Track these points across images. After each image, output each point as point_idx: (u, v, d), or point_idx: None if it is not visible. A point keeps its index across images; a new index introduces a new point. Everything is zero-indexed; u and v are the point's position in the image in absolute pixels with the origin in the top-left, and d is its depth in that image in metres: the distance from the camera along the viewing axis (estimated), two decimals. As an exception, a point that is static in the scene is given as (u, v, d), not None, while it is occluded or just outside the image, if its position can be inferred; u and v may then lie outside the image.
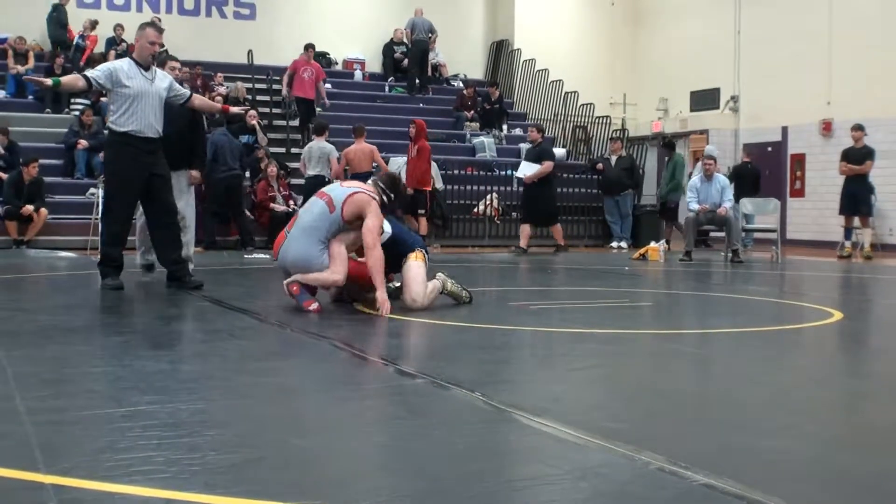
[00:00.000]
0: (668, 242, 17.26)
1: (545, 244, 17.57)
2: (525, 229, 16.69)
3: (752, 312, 8.38)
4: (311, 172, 15.74)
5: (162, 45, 8.54)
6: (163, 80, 8.54)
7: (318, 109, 19.68)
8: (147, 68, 8.36)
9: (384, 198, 7.23)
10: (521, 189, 17.63)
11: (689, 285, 11.18)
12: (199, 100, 9.41)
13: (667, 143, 18.97)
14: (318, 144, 15.95)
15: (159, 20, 21.59)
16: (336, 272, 6.86)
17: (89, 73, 8.38)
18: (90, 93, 16.62)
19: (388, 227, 7.23)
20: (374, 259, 6.84)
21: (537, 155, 16.35)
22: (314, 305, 6.87)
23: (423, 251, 7.45)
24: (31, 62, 19.94)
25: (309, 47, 19.85)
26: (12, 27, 20.56)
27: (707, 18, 23.13)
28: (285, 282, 6.93)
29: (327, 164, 15.78)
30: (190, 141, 9.57)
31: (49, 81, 8.78)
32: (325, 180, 14.56)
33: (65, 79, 8.74)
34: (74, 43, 20.66)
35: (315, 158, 15.83)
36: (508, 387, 4.54)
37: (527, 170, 16.28)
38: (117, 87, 8.20)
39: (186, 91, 8.94)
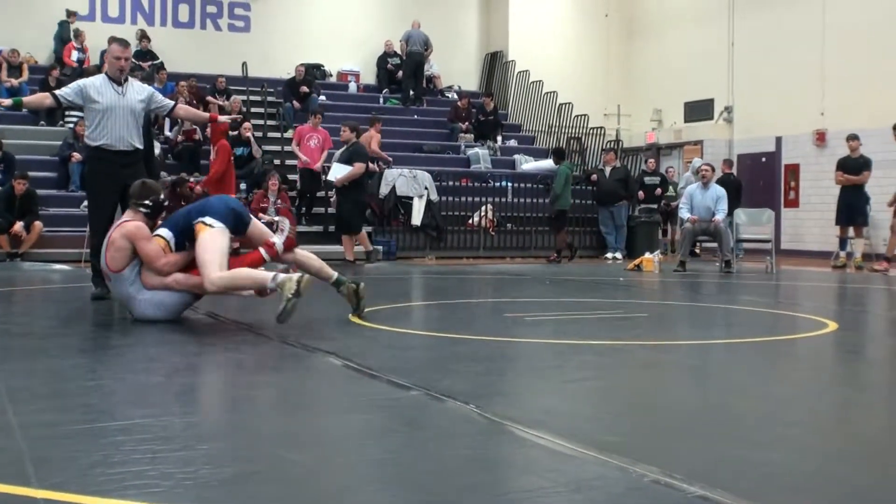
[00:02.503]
0: (559, 252, 17.61)
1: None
2: (345, 240, 15.38)
3: (746, 323, 8.39)
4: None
5: (127, 59, 8.52)
6: (139, 92, 8.58)
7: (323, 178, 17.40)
8: (119, 83, 8.43)
9: (143, 211, 7.04)
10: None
11: (683, 296, 11.18)
12: (184, 110, 9.52)
13: (555, 151, 18.83)
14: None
15: (141, 33, 21.73)
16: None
17: (59, 91, 8.54)
18: (62, 109, 16.71)
19: (167, 234, 6.91)
20: (177, 280, 6.81)
21: (349, 156, 15.02)
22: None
23: (209, 219, 6.79)
24: (26, 75, 19.94)
25: (316, 113, 18.18)
26: (20, 43, 20.56)
27: (701, 29, 23.18)
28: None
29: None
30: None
31: (8, 101, 8.85)
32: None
33: (28, 99, 8.96)
34: (76, 57, 20.69)
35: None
36: (503, 399, 4.53)
37: (337, 172, 15.03)
38: (88, 103, 8.36)
39: (169, 102, 9.01)
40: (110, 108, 8.31)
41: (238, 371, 5.41)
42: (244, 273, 6.76)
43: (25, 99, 8.87)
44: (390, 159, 18.84)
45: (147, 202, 7.06)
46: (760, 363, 5.88)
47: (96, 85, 8.40)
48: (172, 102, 9.08)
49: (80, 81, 8.65)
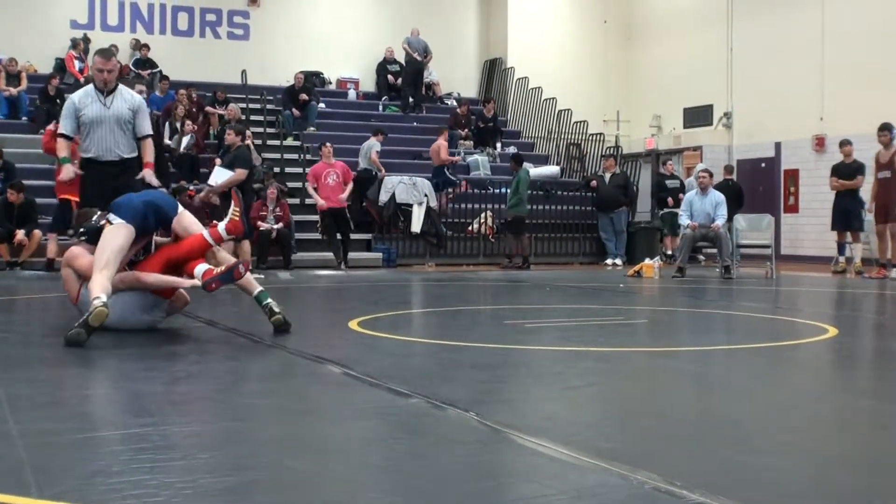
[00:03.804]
0: (510, 258, 17.67)
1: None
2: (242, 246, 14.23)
3: (747, 329, 8.39)
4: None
5: (111, 71, 8.30)
6: (129, 102, 8.40)
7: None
8: (106, 93, 8.30)
9: (83, 239, 7.06)
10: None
11: (683, 302, 11.18)
12: (149, 145, 8.75)
13: (514, 157, 18.79)
14: (368, 143, 18.58)
15: (136, 41, 21.80)
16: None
17: (61, 130, 8.48)
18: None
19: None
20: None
21: (231, 161, 14.34)
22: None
23: (112, 216, 6.68)
24: (25, 83, 19.96)
25: (324, 145, 17.23)
26: (20, 51, 20.61)
27: (700, 35, 23.20)
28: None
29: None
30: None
31: (68, 173, 8.56)
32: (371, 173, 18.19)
33: (64, 152, 8.58)
34: (77, 66, 20.80)
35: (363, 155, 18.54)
36: (503, 406, 4.52)
37: (218, 177, 14.39)
38: (78, 117, 8.29)
39: (145, 131, 8.53)
40: (95, 120, 8.22)
41: (238, 379, 5.41)
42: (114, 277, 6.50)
43: (63, 154, 8.56)
44: (383, 170, 18.88)
45: (81, 230, 7.13)
46: (761, 369, 5.88)
47: (80, 97, 8.36)
48: (146, 134, 8.57)
49: (68, 101, 8.63)
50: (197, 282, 6.58)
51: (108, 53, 8.46)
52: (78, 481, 3.04)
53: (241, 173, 13.99)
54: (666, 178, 20.27)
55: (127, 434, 3.69)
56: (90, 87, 8.46)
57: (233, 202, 6.96)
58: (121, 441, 3.56)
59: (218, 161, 16.50)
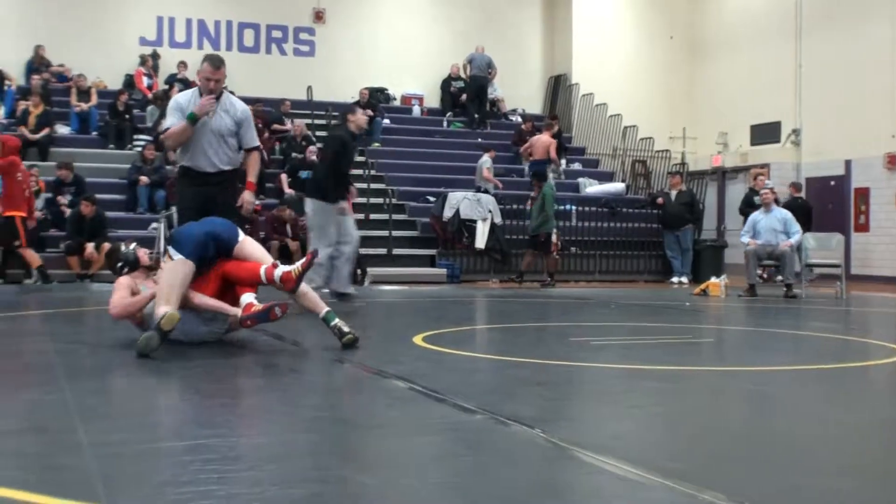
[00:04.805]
0: (522, 276, 17.31)
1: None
2: None
3: (815, 349, 8.25)
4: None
5: (219, 80, 7.94)
6: (234, 114, 8.07)
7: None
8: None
9: (124, 273, 7.20)
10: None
11: (750, 321, 11.04)
12: (255, 159, 8.47)
13: (535, 174, 18.57)
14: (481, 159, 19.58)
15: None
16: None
17: (165, 125, 8.15)
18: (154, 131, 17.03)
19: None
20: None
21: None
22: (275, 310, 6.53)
23: (172, 249, 6.65)
24: (95, 99, 20.31)
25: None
26: (91, 68, 21.00)
27: (767, 51, 22.95)
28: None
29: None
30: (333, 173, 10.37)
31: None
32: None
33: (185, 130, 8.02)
34: (146, 83, 21.18)
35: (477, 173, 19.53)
36: (569, 423, 4.50)
37: None
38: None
39: (251, 143, 8.26)
40: (197, 129, 7.85)
41: (303, 392, 5.43)
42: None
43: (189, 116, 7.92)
44: (500, 185, 19.09)
45: (118, 266, 7.23)
46: (829, 390, 5.78)
47: (189, 100, 7.98)
48: (256, 145, 8.37)
49: (173, 101, 8.20)
50: (238, 312, 6.61)
51: (217, 61, 8.03)
52: (146, 491, 3.07)
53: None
54: (756, 193, 20.00)
55: (194, 445, 3.72)
56: (195, 91, 8.11)
57: (305, 259, 6.68)
58: (188, 451, 3.58)
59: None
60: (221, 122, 7.98)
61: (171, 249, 6.61)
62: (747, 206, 19.32)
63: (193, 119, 7.79)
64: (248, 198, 8.27)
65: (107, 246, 15.35)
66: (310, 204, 10.97)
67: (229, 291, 6.77)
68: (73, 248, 15.37)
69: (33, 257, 14.99)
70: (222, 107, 8.01)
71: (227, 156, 8.06)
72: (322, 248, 10.62)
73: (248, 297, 6.62)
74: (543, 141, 19.83)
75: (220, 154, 8.00)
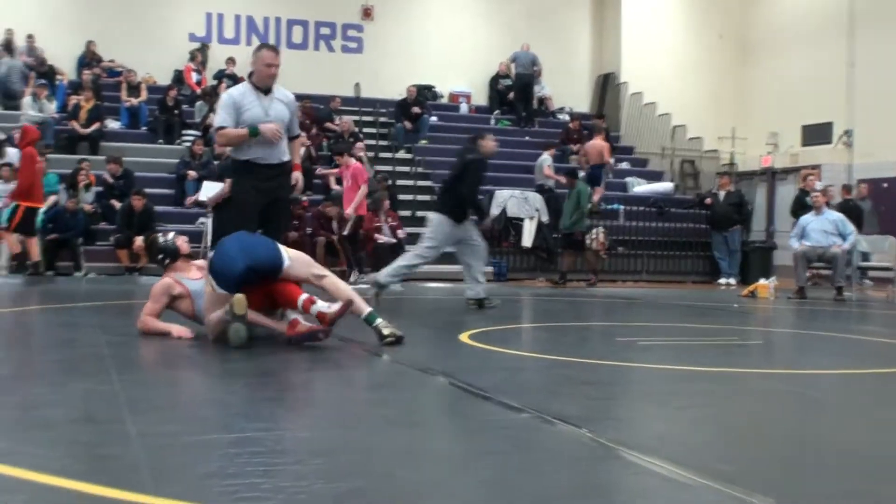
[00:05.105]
0: (564, 275, 17.17)
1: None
2: None
3: (865, 353, 8.15)
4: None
5: (278, 66, 7.90)
6: (286, 102, 8.04)
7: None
8: (265, 92, 7.94)
9: (165, 265, 7.32)
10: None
11: (799, 324, 10.93)
12: (298, 146, 8.73)
13: (568, 172, 18.39)
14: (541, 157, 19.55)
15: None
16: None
17: (219, 122, 7.93)
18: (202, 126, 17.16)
19: (194, 286, 7.06)
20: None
21: (220, 172, 14.27)
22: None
23: (213, 282, 6.64)
24: (144, 94, 20.51)
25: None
26: (141, 63, 21.20)
27: (819, 51, 22.69)
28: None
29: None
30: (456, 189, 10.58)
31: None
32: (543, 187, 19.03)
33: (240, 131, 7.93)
34: (195, 78, 21.33)
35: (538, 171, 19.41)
36: (616, 424, 4.47)
37: (208, 191, 14.51)
38: (239, 115, 7.84)
39: (296, 131, 8.36)
40: (257, 122, 7.76)
41: (349, 388, 5.45)
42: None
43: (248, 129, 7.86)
44: (563, 180, 19.12)
45: (158, 258, 7.33)
46: (881, 394, 5.70)
47: (243, 94, 7.89)
48: (300, 133, 8.53)
49: (227, 96, 8.10)
50: (283, 326, 6.66)
51: (275, 48, 8.05)
52: (193, 482, 3.09)
53: (230, 184, 13.99)
54: (808, 193, 19.81)
55: (241, 437, 3.73)
56: (246, 85, 8.03)
57: (342, 306, 6.59)
58: (235, 444, 3.60)
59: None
60: (282, 112, 7.96)
61: (213, 281, 6.58)
62: (800, 208, 19.17)
63: (255, 134, 7.76)
64: (299, 177, 8.37)
65: (138, 241, 15.51)
66: (436, 218, 10.94)
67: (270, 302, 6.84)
68: (122, 241, 15.52)
69: (14, 244, 15.04)
70: (278, 95, 8.00)
71: (285, 147, 8.05)
72: (420, 253, 10.94)
73: (293, 314, 6.69)
74: (597, 145, 19.84)
75: (281, 145, 7.97)
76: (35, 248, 14.85)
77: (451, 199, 10.85)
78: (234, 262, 6.49)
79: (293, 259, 6.70)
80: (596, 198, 18.57)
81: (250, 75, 8.22)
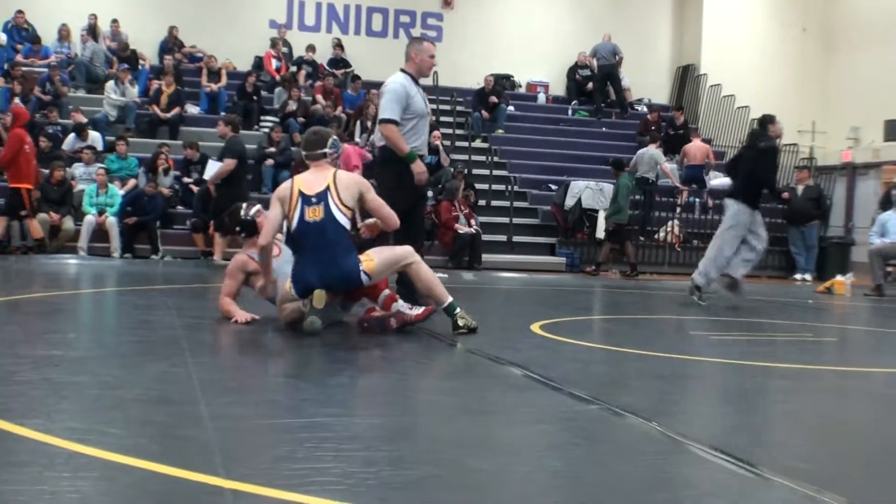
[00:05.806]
0: (598, 265, 17.06)
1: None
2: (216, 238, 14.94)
3: (946, 353, 8.00)
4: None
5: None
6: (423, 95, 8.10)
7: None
8: (418, 83, 8.02)
9: (242, 237, 7.48)
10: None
11: (876, 321, 10.75)
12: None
13: (614, 163, 18.03)
14: (650, 151, 18.86)
15: (336, 41, 22.33)
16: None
17: (389, 114, 7.78)
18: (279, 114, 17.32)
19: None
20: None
21: (221, 152, 14.49)
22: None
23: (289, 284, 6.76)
24: (224, 80, 20.71)
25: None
26: (222, 49, 21.44)
27: (904, 45, 22.21)
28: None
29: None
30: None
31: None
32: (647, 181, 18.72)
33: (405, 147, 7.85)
34: (274, 65, 21.52)
35: (645, 163, 18.73)
36: (686, 418, 4.44)
37: (210, 170, 14.65)
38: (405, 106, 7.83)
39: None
40: (420, 113, 7.89)
41: (420, 376, 5.47)
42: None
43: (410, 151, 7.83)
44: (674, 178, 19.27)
45: (237, 229, 7.44)
46: (961, 395, 5.59)
47: (408, 85, 7.92)
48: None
49: (398, 86, 7.92)
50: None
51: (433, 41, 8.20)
52: (263, 465, 3.13)
53: (229, 163, 14.17)
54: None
55: (312, 422, 3.77)
56: (406, 76, 8.02)
57: (425, 310, 6.72)
58: (305, 429, 3.63)
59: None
60: (428, 103, 8.12)
61: (292, 287, 6.64)
62: (888, 204, 18.79)
63: (412, 160, 7.77)
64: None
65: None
66: (733, 205, 11.08)
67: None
68: (198, 225, 15.71)
69: (36, 228, 15.21)
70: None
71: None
72: (728, 244, 11.02)
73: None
74: (701, 147, 20.14)
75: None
76: (35, 224, 15.19)
77: (748, 185, 11.01)
78: (309, 281, 6.51)
79: (374, 274, 6.65)
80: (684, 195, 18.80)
81: (404, 67, 8.17)
